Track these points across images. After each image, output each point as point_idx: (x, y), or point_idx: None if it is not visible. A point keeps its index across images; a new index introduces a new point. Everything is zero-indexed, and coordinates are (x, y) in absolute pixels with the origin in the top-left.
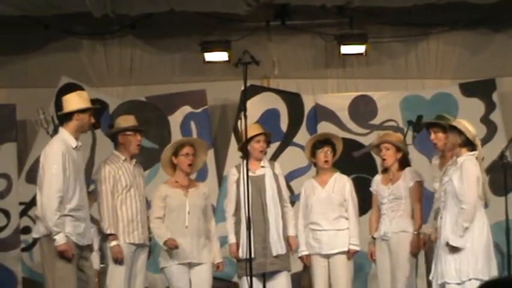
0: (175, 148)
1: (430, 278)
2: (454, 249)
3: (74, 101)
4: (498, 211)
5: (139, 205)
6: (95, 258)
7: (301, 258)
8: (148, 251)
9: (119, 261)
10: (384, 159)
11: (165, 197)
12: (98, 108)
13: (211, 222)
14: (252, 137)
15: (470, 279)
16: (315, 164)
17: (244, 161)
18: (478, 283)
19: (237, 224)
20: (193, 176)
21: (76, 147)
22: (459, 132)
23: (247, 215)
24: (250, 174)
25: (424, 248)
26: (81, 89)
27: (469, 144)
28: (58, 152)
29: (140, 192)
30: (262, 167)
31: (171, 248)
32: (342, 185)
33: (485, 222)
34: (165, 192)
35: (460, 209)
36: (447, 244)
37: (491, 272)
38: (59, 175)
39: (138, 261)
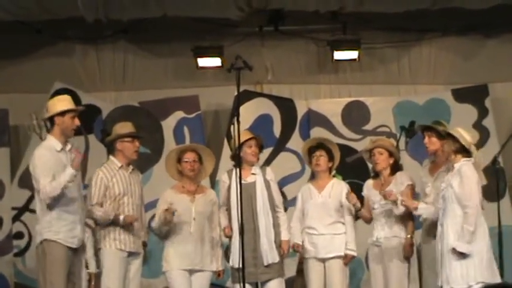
0: (178, 154)
1: (439, 283)
2: (460, 255)
3: (53, 106)
4: (490, 216)
5: (131, 213)
6: (91, 262)
7: (294, 247)
8: (143, 258)
9: (134, 221)
10: (376, 163)
11: (171, 204)
12: (80, 110)
13: (216, 229)
14: (243, 143)
15: (477, 283)
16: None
17: (237, 170)
18: (482, 286)
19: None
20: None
21: (62, 149)
22: (454, 139)
23: (239, 222)
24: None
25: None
26: (75, 94)
27: (465, 151)
28: (39, 156)
29: (134, 201)
30: (253, 174)
31: (170, 215)
32: (339, 190)
33: (485, 226)
34: (171, 198)
35: (463, 214)
36: (454, 250)
37: (494, 275)
38: (45, 175)
39: (132, 268)
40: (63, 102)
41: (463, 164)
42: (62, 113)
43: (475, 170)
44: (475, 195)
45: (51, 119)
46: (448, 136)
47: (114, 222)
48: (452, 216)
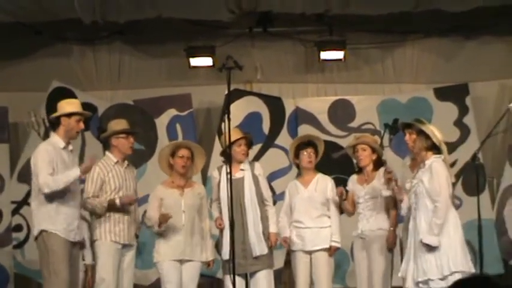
0: (172, 149)
1: (400, 275)
2: (427, 247)
3: (62, 107)
4: (471, 210)
5: (127, 207)
6: (87, 253)
7: (282, 241)
8: (136, 249)
9: (132, 202)
10: (359, 159)
11: (162, 199)
12: (86, 116)
13: (205, 221)
14: (233, 142)
15: (452, 273)
16: (298, 166)
17: (227, 165)
18: (460, 275)
19: None
20: None
21: (65, 147)
22: (426, 136)
23: (230, 216)
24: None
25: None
26: (72, 92)
27: (435, 148)
28: (43, 150)
29: (129, 195)
30: (242, 170)
31: (165, 220)
32: (324, 184)
33: (458, 220)
34: (162, 194)
35: (433, 208)
36: (421, 242)
37: (469, 264)
38: (46, 167)
39: (125, 259)
40: (72, 105)
41: (433, 161)
42: (69, 115)
43: (445, 166)
44: (444, 190)
45: (57, 119)
46: (420, 133)
47: (111, 209)
48: (424, 210)
